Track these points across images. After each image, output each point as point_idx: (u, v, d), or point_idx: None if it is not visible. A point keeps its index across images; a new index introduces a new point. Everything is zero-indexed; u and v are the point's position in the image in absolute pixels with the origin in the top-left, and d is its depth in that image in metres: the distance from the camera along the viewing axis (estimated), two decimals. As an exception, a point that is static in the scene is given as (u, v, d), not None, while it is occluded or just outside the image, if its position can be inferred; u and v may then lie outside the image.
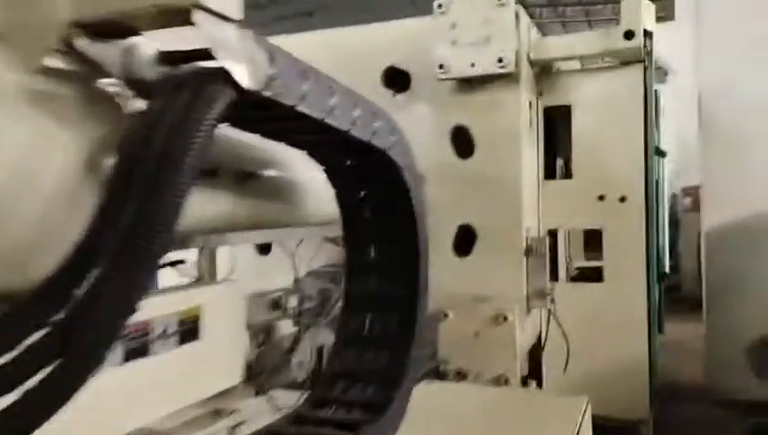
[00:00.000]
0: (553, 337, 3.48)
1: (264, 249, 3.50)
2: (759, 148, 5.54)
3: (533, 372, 3.53)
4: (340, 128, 1.22)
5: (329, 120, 1.16)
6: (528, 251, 3.16)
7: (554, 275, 3.88)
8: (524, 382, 3.51)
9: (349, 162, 1.53)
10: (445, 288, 3.21)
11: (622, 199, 3.42)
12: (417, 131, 3.48)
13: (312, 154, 1.48)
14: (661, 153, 3.44)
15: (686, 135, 8.03)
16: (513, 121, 3.16)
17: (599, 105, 3.48)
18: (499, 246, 3.19)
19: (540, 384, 3.53)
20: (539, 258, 3.17)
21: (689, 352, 6.43)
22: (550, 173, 3.68)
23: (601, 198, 3.46)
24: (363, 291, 1.63)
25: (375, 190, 1.57)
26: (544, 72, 3.53)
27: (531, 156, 3.40)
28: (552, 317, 3.38)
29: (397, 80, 3.40)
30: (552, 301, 3.25)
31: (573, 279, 4.34)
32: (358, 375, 1.54)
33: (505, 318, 2.90)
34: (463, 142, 3.27)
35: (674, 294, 11.00)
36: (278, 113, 1.00)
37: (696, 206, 8.57)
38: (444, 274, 3.27)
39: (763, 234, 5.56)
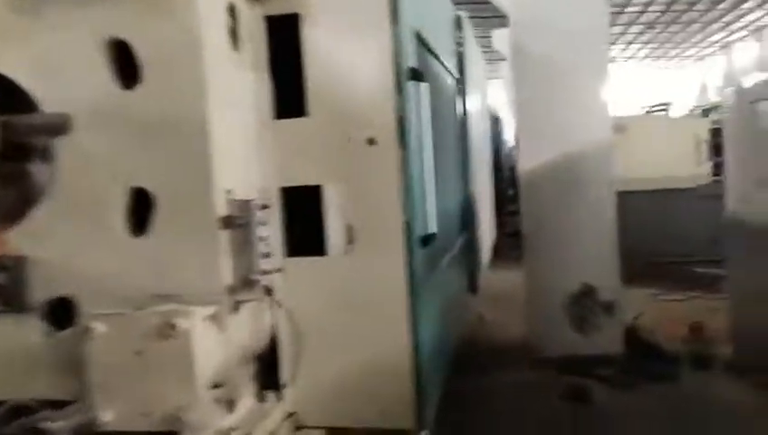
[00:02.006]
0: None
1: None
2: (572, 77, 4.94)
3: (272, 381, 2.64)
4: None
5: None
6: (228, 223, 2.18)
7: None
8: (261, 396, 2.62)
9: None
10: (113, 282, 2.19)
11: (371, 142, 2.53)
12: (57, 49, 2.33)
13: None
14: (418, 76, 2.56)
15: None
16: (191, 33, 2.12)
17: (334, 11, 2.52)
18: (185, 218, 2.20)
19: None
20: (244, 232, 2.21)
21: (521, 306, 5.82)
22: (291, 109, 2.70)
23: (345, 140, 2.55)
24: None
25: None
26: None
27: (237, 84, 2.40)
28: (279, 310, 2.48)
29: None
30: (269, 289, 2.32)
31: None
32: None
33: (173, 327, 1.93)
34: (126, 65, 2.20)
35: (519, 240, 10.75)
36: None
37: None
38: (112, 260, 2.24)
39: (580, 173, 5.02)
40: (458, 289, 4.19)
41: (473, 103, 5.70)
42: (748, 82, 3.98)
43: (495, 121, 10.53)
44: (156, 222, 2.21)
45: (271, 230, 2.49)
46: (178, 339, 1.93)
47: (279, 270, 2.63)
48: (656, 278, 8.07)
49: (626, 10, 23.16)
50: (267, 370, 2.62)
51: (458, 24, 4.87)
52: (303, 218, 2.67)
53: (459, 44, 4.96)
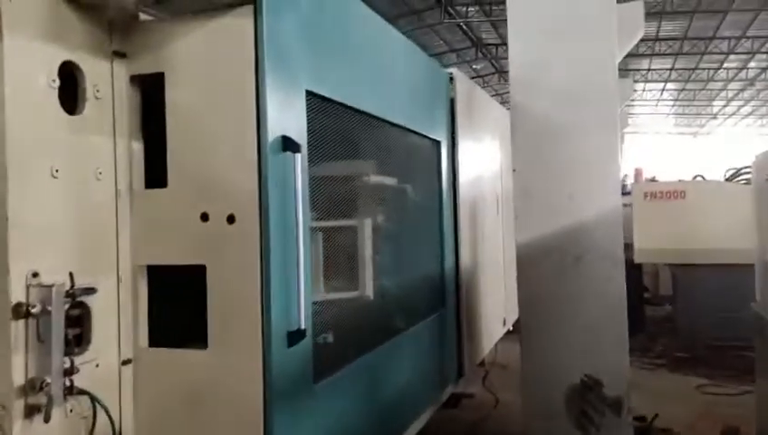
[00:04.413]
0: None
1: None
2: (570, 143, 4.41)
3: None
4: None
5: None
6: (21, 313, 1.87)
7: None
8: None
9: None
10: None
11: (230, 220, 2.17)
12: None
13: None
14: (293, 147, 2.19)
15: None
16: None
17: (197, 71, 2.22)
18: (-22, 304, 1.91)
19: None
20: (44, 323, 1.89)
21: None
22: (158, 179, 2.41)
23: (204, 217, 2.21)
24: None
25: None
26: (127, 21, 2.26)
27: (73, 150, 2.11)
28: (104, 412, 2.11)
29: None
30: (83, 390, 1.98)
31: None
32: None
33: None
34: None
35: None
36: None
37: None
38: None
39: (583, 246, 4.42)
40: (416, 375, 3.68)
41: (477, 166, 5.24)
42: (764, 155, 3.30)
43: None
44: (-49, 307, 1.93)
45: (104, 318, 2.16)
46: None
47: (127, 362, 2.30)
48: (709, 365, 7.13)
49: (725, 66, 22.12)
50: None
51: (449, 83, 4.50)
52: (167, 303, 2.34)
53: (451, 104, 4.57)
